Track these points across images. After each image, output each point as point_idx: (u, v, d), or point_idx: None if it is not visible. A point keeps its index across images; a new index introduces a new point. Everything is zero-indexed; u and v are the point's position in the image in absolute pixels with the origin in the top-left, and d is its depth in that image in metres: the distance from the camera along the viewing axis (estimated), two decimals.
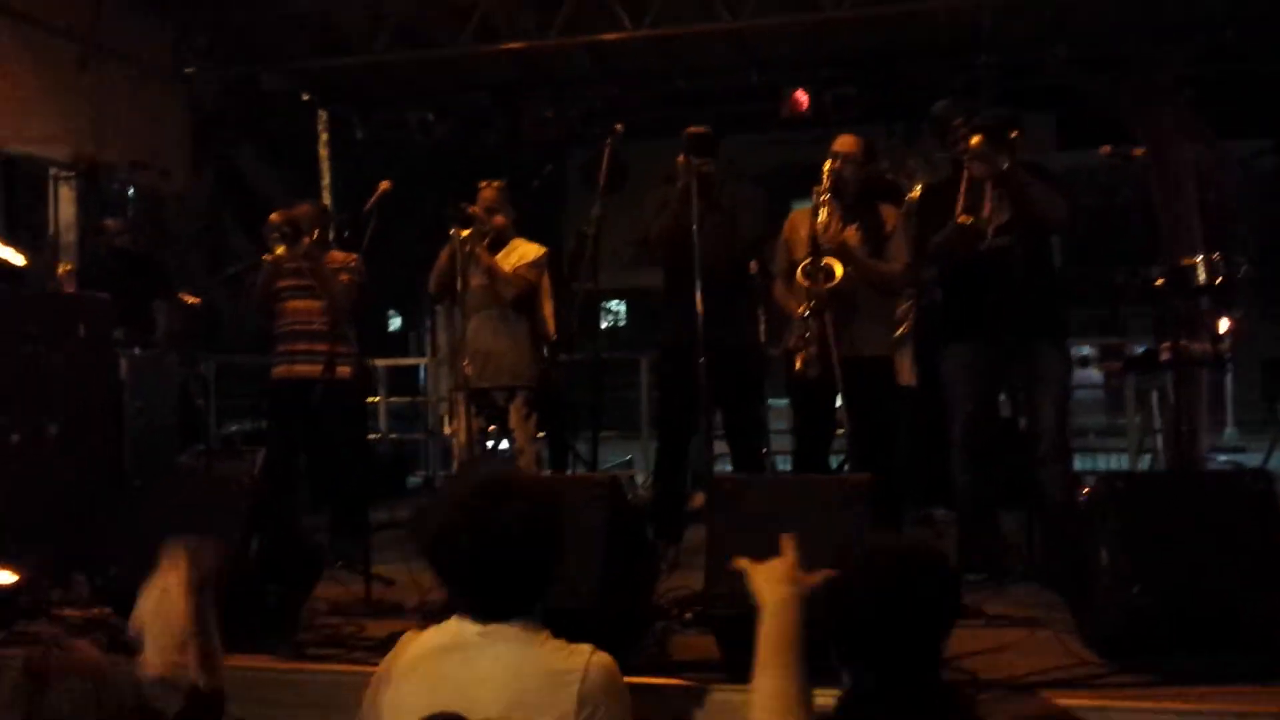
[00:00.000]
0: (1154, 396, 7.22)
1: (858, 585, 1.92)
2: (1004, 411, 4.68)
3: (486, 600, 2.05)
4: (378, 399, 8.17)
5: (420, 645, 2.11)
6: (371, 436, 7.58)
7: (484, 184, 5.08)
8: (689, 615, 3.63)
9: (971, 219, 4.03)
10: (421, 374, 10.34)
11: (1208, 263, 4.03)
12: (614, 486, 3.37)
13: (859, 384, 4.20)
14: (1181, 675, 2.86)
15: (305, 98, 8.04)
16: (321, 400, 4.74)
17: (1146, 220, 6.67)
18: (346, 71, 7.61)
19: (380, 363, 8.33)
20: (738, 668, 3.07)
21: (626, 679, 3.05)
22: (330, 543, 4.76)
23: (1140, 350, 5.07)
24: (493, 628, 2.04)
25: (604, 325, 15.56)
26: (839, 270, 4.29)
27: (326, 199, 8.06)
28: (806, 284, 4.32)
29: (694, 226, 4.19)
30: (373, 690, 2.13)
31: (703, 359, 4.11)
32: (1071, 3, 6.46)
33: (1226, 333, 4.46)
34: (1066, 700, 2.84)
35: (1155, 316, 5.13)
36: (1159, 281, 4.20)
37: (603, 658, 2.06)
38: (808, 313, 4.31)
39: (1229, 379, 8.52)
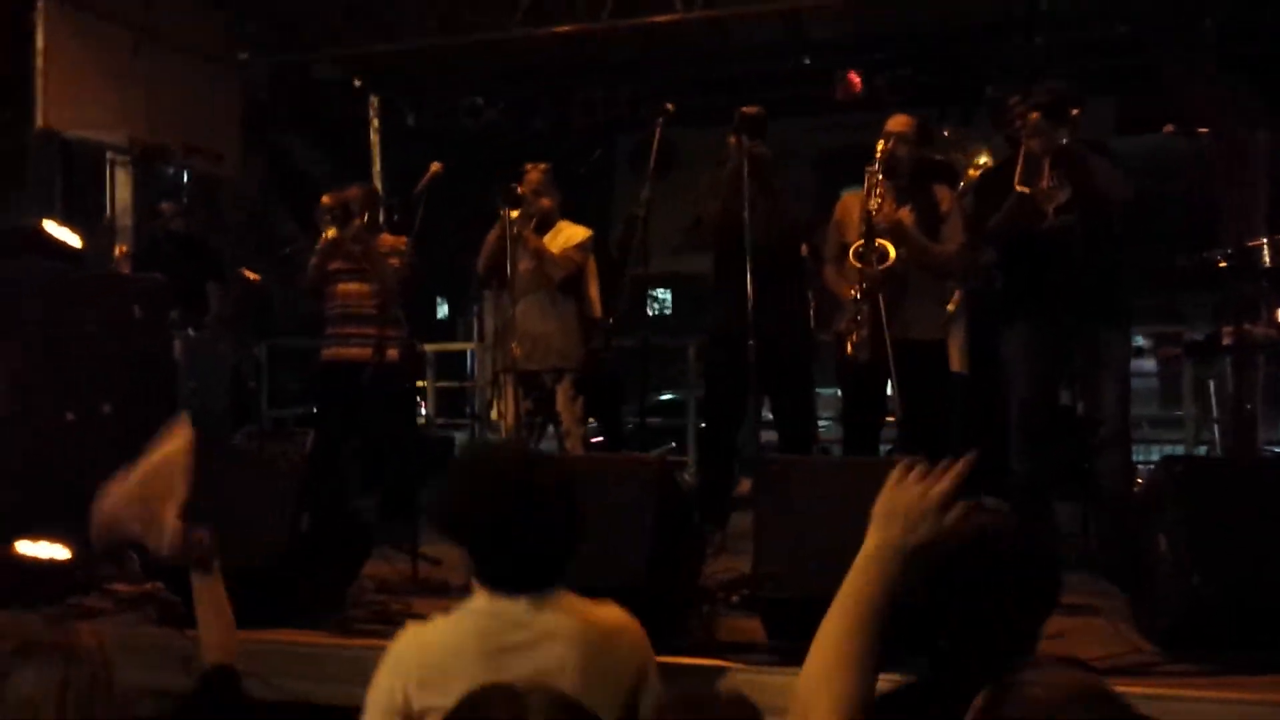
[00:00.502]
0: (1211, 386, 7.05)
1: (966, 560, 1.79)
2: (1062, 398, 4.58)
3: (528, 568, 2.02)
4: (425, 383, 8.21)
5: (449, 627, 2.05)
6: (420, 421, 7.63)
7: (530, 166, 5.07)
8: (735, 598, 3.60)
9: (1029, 189, 3.94)
10: (469, 359, 10.37)
11: (1274, 244, 3.91)
12: (664, 468, 3.35)
13: (911, 368, 4.13)
14: (1241, 665, 2.79)
15: (356, 84, 8.08)
16: (371, 383, 4.77)
17: (1205, 204, 6.52)
18: (396, 57, 7.63)
19: (428, 348, 8.37)
20: (783, 650, 3.07)
21: (674, 659, 3.09)
22: (378, 523, 4.79)
23: (1200, 336, 4.94)
24: (535, 598, 2.01)
25: (650, 313, 15.51)
26: (892, 252, 4.22)
27: (377, 185, 8.10)
28: (859, 266, 4.25)
29: (745, 208, 4.14)
30: (387, 678, 2.03)
31: (752, 343, 4.06)
32: None
33: (1260, 331, 4.32)
34: (1122, 688, 2.78)
35: (1216, 301, 5.00)
36: (1222, 263, 4.08)
37: (633, 622, 2.11)
38: (859, 295, 4.25)
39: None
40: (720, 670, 3.04)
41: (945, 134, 6.37)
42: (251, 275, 6.39)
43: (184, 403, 5.14)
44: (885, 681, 1.79)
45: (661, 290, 16.80)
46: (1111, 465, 4.08)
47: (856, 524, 3.03)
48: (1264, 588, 2.89)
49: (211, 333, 5.77)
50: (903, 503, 1.67)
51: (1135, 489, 3.45)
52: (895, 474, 1.69)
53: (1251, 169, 6.02)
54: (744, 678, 3.00)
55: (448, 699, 1.93)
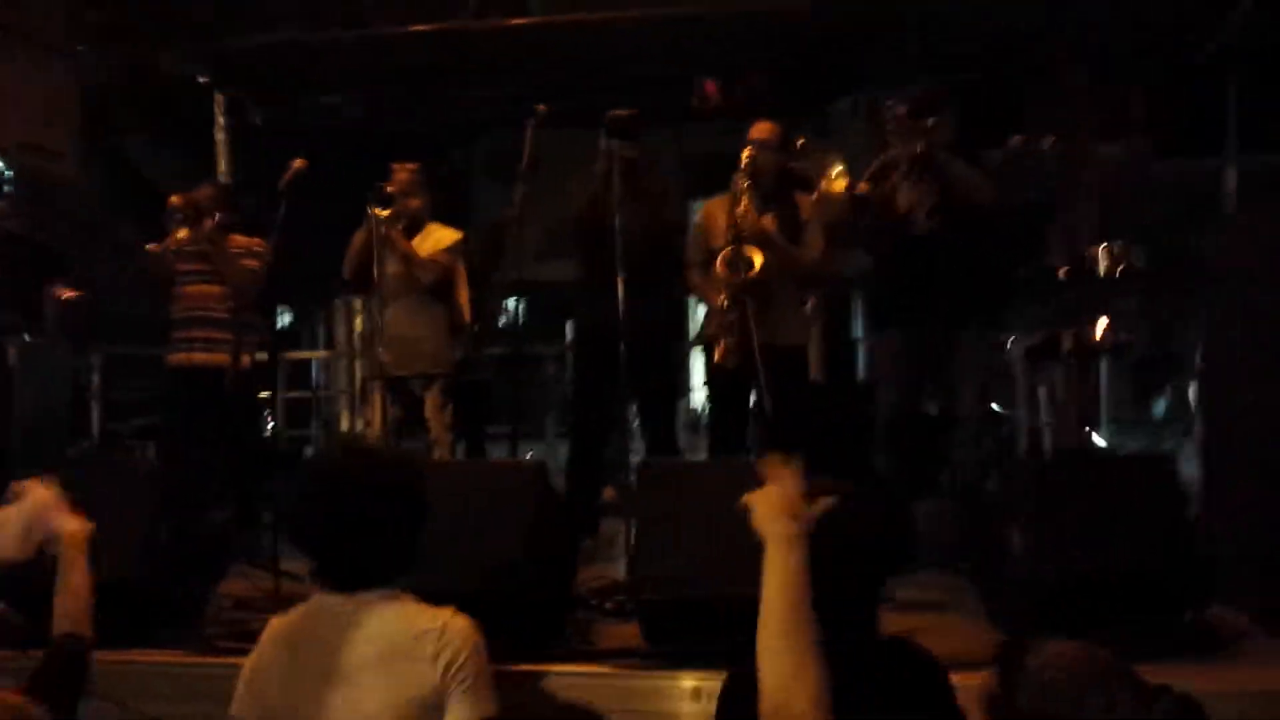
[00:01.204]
0: (1041, 392, 7.44)
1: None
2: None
3: (349, 568, 2.05)
4: (267, 394, 7.93)
5: (284, 623, 2.12)
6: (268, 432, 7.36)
7: (398, 166, 4.95)
8: (610, 605, 3.62)
9: (866, 187, 4.07)
10: (313, 369, 10.07)
11: (1109, 251, 4.15)
12: (540, 472, 3.34)
13: (778, 372, 4.21)
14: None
15: (202, 80, 7.75)
16: (225, 390, 4.61)
17: (1035, 215, 6.84)
18: (248, 53, 7.36)
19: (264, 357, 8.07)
20: (661, 655, 3.09)
21: (552, 667, 3.07)
22: (233, 537, 4.61)
23: (1038, 341, 5.20)
24: (359, 596, 2.04)
25: (500, 323, 15.37)
26: (759, 260, 4.30)
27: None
28: (726, 274, 4.32)
29: (614, 211, 4.15)
30: (243, 681, 2.10)
31: (623, 346, 4.07)
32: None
33: (1105, 330, 4.58)
34: (976, 679, 2.90)
35: (1050, 309, 5.27)
36: (1062, 271, 4.31)
37: (462, 617, 2.07)
38: (727, 302, 4.32)
39: (1104, 377, 8.83)
40: (599, 675, 3.04)
41: (800, 144, 6.52)
42: (67, 293, 6.01)
43: (19, 412, 4.85)
44: None
45: (513, 300, 16.72)
46: (966, 463, 4.26)
47: (734, 525, 3.08)
48: (1111, 576, 3.06)
49: (48, 339, 5.44)
50: (776, 502, 1.76)
51: (993, 482, 3.60)
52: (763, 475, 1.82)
53: (1088, 181, 6.38)
54: (623, 683, 3.01)
55: (279, 700, 2.01)
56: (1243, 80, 7.28)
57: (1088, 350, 4.21)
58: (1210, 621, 3.17)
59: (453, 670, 1.98)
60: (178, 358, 4.93)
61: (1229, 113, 7.42)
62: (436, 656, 1.98)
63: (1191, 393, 7.19)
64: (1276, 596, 3.23)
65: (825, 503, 1.81)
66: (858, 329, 7.67)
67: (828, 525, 1.86)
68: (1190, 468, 3.87)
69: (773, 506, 1.75)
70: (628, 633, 3.31)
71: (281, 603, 3.81)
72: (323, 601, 2.07)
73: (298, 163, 4.54)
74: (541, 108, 4.44)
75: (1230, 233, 4.44)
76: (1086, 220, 6.07)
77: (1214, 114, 7.63)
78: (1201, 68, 7.19)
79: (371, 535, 2.04)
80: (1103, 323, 4.27)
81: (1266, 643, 3.15)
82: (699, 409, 10.11)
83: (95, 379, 6.39)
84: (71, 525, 2.29)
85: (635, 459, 4.30)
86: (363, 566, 2.05)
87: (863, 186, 4.11)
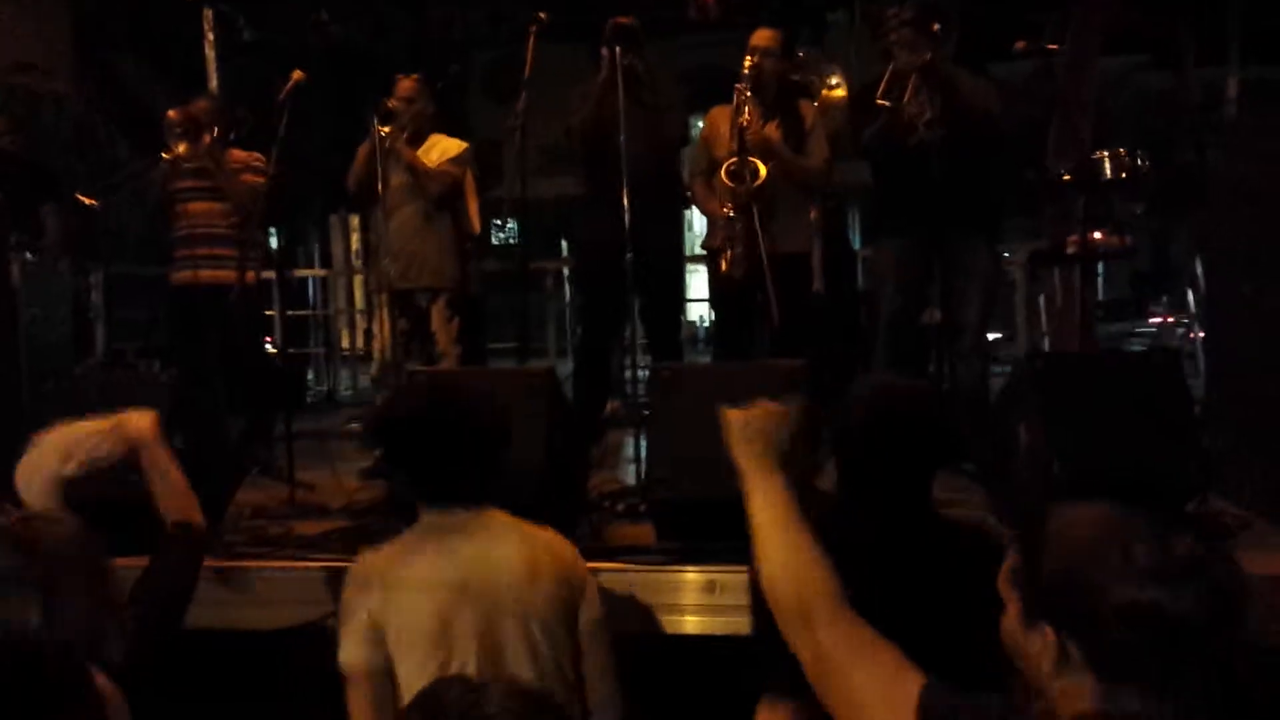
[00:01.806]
0: (1041, 300, 7.49)
1: (858, 415, 2.07)
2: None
3: (463, 483, 2.20)
4: (273, 312, 7.94)
5: (402, 545, 2.23)
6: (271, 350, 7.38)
7: (401, 76, 4.88)
8: (622, 507, 3.69)
9: (889, 103, 4.06)
10: (311, 288, 10.05)
11: (1114, 157, 4.15)
12: (551, 378, 3.37)
13: (783, 281, 4.23)
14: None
15: None
16: (231, 306, 4.61)
17: (1032, 123, 6.81)
18: None
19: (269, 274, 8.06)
20: (673, 551, 3.16)
21: None
22: (246, 450, 4.65)
23: (1044, 246, 5.22)
24: (474, 512, 2.19)
25: (495, 241, 15.35)
26: (763, 169, 4.28)
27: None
28: (732, 185, 4.31)
29: (619, 121, 4.11)
30: (355, 596, 2.19)
31: (630, 255, 4.08)
32: None
33: (1109, 233, 4.59)
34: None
35: (1055, 213, 5.27)
36: (1067, 177, 4.31)
37: (563, 539, 2.33)
38: (732, 212, 4.31)
39: (1100, 287, 8.88)
40: (616, 573, 3.11)
41: (800, 54, 6.47)
42: (88, 200, 6.02)
43: (24, 331, 4.85)
44: None
45: (507, 217, 16.64)
46: (971, 373, 4.29)
47: None
48: (1115, 471, 3.11)
49: (50, 257, 5.42)
50: (752, 428, 1.75)
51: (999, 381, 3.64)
52: (732, 418, 1.78)
53: (1088, 92, 6.34)
54: (639, 578, 3.08)
55: (410, 612, 2.12)
56: None
57: (1092, 253, 4.22)
58: (1215, 514, 3.24)
59: (580, 575, 2.26)
60: (182, 275, 4.92)
61: (1230, 24, 7.35)
62: (571, 566, 2.24)
63: (1190, 297, 7.26)
64: (1276, 491, 3.29)
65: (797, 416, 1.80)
66: (856, 240, 7.69)
67: (883, 411, 1.99)
68: (1191, 367, 3.91)
69: (752, 434, 1.74)
70: (640, 532, 3.38)
71: (297, 510, 3.90)
72: (441, 519, 2.21)
73: (296, 74, 4.48)
74: (543, 15, 4.37)
75: (1230, 140, 4.45)
76: (1084, 130, 6.04)
77: (1216, 26, 7.59)
78: None
79: (476, 452, 2.21)
80: (1107, 226, 4.29)
81: (1268, 529, 3.23)
82: (697, 322, 10.18)
83: (97, 298, 6.38)
84: (138, 420, 2.30)
85: (639, 373, 4.36)
86: (478, 479, 2.22)
87: (882, 102, 4.08)
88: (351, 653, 2.13)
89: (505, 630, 2.11)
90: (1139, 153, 4.21)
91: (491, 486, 2.24)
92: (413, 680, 2.09)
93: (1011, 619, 1.35)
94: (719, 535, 2.92)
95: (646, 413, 3.50)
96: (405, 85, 4.81)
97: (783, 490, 1.64)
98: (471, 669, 2.08)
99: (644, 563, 3.13)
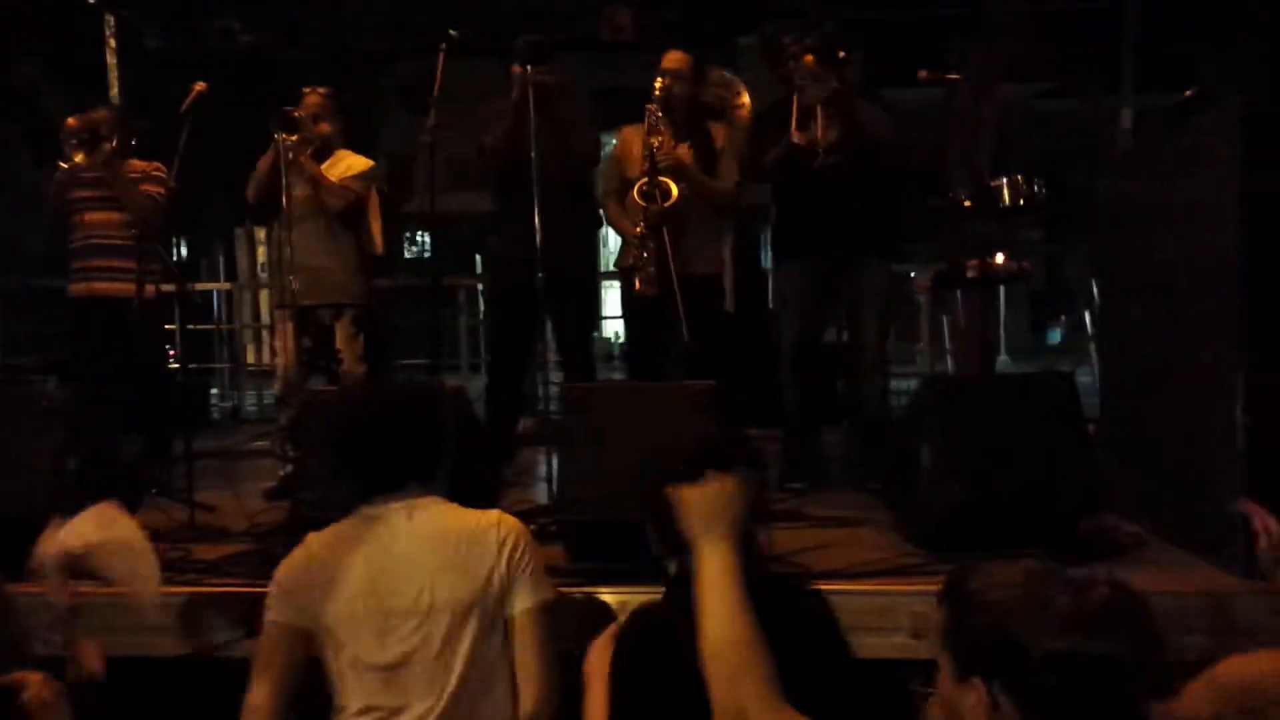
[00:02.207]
0: (944, 320, 7.69)
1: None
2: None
3: (392, 472, 2.21)
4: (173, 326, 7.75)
5: (333, 533, 2.24)
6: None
7: (308, 90, 4.80)
8: (532, 527, 3.66)
9: (805, 136, 4.15)
10: (215, 301, 9.85)
11: (1013, 184, 4.28)
12: (461, 396, 3.35)
13: (694, 301, 4.26)
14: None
15: (90, 1, 7.41)
16: (130, 320, 4.49)
17: (931, 150, 7.00)
18: None
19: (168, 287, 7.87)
20: (585, 572, 3.15)
21: None
22: (144, 470, 4.53)
23: (945, 269, 5.35)
24: (406, 500, 2.20)
25: (408, 255, 15.25)
26: (675, 190, 4.32)
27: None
28: (644, 204, 4.34)
29: (530, 138, 4.12)
30: (280, 593, 2.21)
31: (541, 275, 4.08)
32: None
33: (1006, 259, 4.73)
34: (895, 587, 3.03)
35: (956, 237, 5.41)
36: (967, 203, 4.42)
37: (513, 519, 2.27)
38: (644, 232, 4.34)
39: (1001, 307, 9.14)
40: None
41: (714, 74, 6.57)
42: None
43: None
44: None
45: (419, 231, 16.54)
46: (872, 391, 4.39)
47: (656, 447, 3.14)
48: (1015, 491, 3.21)
49: None
50: (707, 503, 1.73)
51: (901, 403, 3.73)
52: (686, 496, 1.74)
53: (987, 118, 6.54)
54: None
55: (335, 603, 2.13)
56: (1139, 22, 7.50)
57: (992, 278, 4.35)
58: (1109, 530, 3.35)
59: (516, 557, 2.18)
60: (79, 288, 4.78)
61: (1125, 54, 7.65)
62: (501, 546, 2.16)
63: (1087, 319, 7.52)
64: (1169, 507, 3.42)
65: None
66: (766, 260, 7.80)
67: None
68: (1086, 389, 4.04)
69: (707, 509, 1.72)
70: (551, 554, 3.35)
71: (197, 533, 3.81)
72: (368, 510, 2.21)
73: (199, 85, 4.41)
74: (454, 34, 4.36)
75: (1123, 167, 4.62)
76: (983, 155, 6.24)
77: (1111, 55, 7.87)
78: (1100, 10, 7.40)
79: (410, 440, 2.24)
80: (1004, 252, 4.42)
81: (1160, 545, 3.34)
82: (611, 339, 10.22)
83: None
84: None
85: (550, 389, 4.36)
86: (406, 468, 2.22)
87: (798, 136, 4.18)
88: (275, 611, 2.18)
89: (439, 620, 2.11)
90: (1036, 180, 4.34)
91: (425, 477, 2.25)
92: (346, 671, 2.13)
93: (944, 678, 1.40)
94: (630, 557, 2.93)
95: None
96: (312, 100, 4.73)
97: (730, 563, 1.65)
98: (412, 659, 2.10)
99: (557, 584, 3.11)
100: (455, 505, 2.25)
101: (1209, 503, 3.12)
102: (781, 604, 1.89)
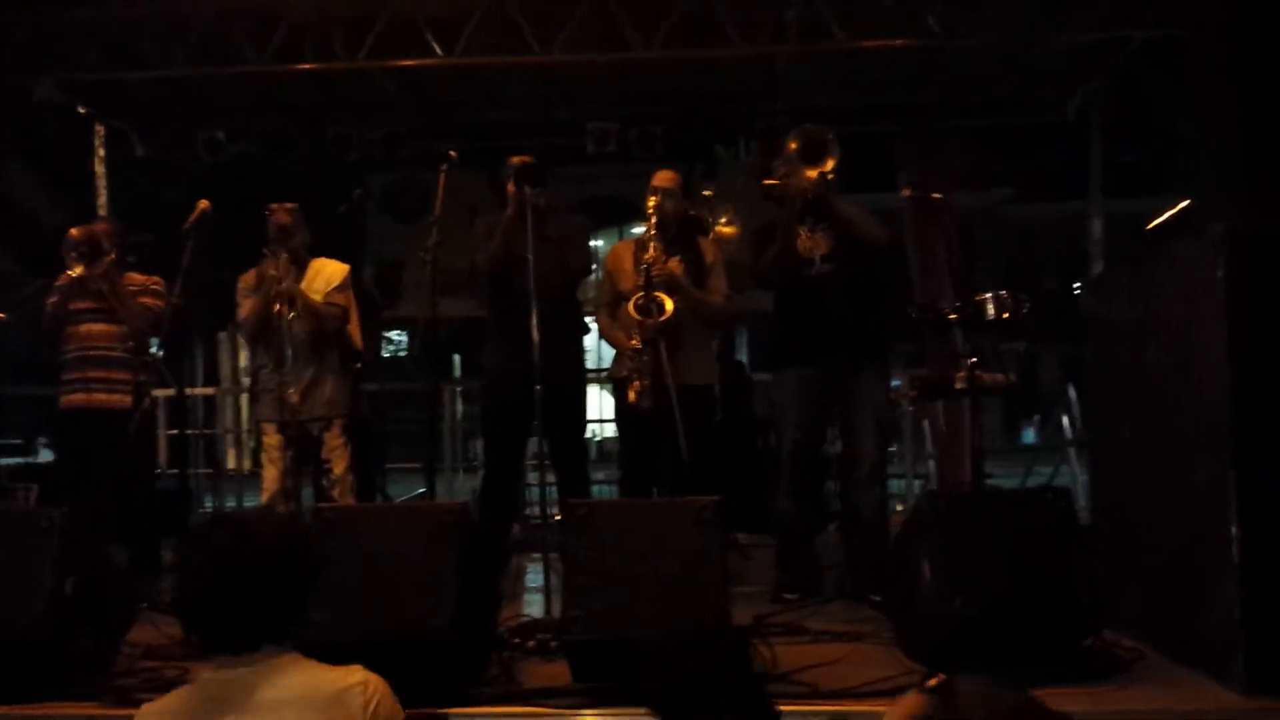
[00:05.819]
0: (926, 425, 7.76)
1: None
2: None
3: (242, 630, 2.00)
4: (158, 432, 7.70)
5: (160, 707, 2.03)
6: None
7: (276, 206, 4.74)
8: (532, 644, 3.65)
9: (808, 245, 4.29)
10: (195, 406, 9.80)
11: (996, 298, 4.39)
12: (464, 514, 3.35)
13: (689, 412, 4.31)
14: (1006, 680, 3.10)
15: (81, 110, 7.51)
16: (127, 432, 4.49)
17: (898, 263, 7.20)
18: (133, 85, 7.18)
19: (159, 392, 7.86)
20: (590, 692, 3.13)
21: (480, 709, 3.08)
22: (135, 582, 4.47)
23: (933, 378, 5.45)
24: (256, 660, 1.99)
25: (384, 355, 15.29)
26: (669, 304, 4.41)
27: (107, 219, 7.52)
28: (640, 318, 4.42)
29: (528, 255, 4.21)
30: None
31: (538, 387, 4.13)
32: (858, 55, 6.88)
33: (990, 378, 4.83)
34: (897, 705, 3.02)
35: (937, 349, 5.51)
36: (952, 315, 4.52)
37: (377, 676, 2.07)
38: (640, 345, 4.42)
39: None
40: (531, 715, 3.07)
41: (706, 194, 6.80)
42: None
43: None
44: None
45: (397, 333, 16.59)
46: (870, 500, 4.43)
47: (659, 564, 3.15)
48: (1017, 607, 3.24)
49: None
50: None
51: (901, 517, 3.77)
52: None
53: (946, 227, 6.73)
54: None
55: None
56: (1106, 129, 7.76)
57: (980, 389, 4.43)
58: (1108, 646, 3.38)
59: (382, 718, 2.00)
60: (74, 398, 4.79)
61: (1093, 161, 7.88)
62: (365, 708, 1.99)
63: (1065, 421, 7.61)
64: (1167, 623, 3.45)
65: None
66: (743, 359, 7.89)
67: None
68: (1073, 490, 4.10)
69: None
70: (553, 671, 3.35)
71: (193, 649, 3.73)
72: (215, 673, 2.01)
73: (202, 204, 4.50)
74: (453, 154, 4.48)
75: (1098, 282, 4.75)
76: (945, 264, 6.39)
77: (1079, 162, 8.11)
78: (1066, 120, 7.66)
79: (263, 595, 2.00)
80: (991, 362, 4.51)
81: (1160, 663, 3.37)
82: (590, 438, 10.23)
83: None
84: None
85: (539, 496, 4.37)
86: (257, 626, 2.00)
87: (803, 240, 4.33)
88: None
89: None
90: (1020, 296, 4.46)
91: (277, 635, 2.04)
92: None
93: None
94: (635, 675, 2.92)
95: (556, 552, 3.49)
96: (281, 217, 4.69)
97: None
98: None
99: (559, 705, 3.10)
100: (309, 661, 2.06)
101: (1207, 618, 3.16)
102: None
